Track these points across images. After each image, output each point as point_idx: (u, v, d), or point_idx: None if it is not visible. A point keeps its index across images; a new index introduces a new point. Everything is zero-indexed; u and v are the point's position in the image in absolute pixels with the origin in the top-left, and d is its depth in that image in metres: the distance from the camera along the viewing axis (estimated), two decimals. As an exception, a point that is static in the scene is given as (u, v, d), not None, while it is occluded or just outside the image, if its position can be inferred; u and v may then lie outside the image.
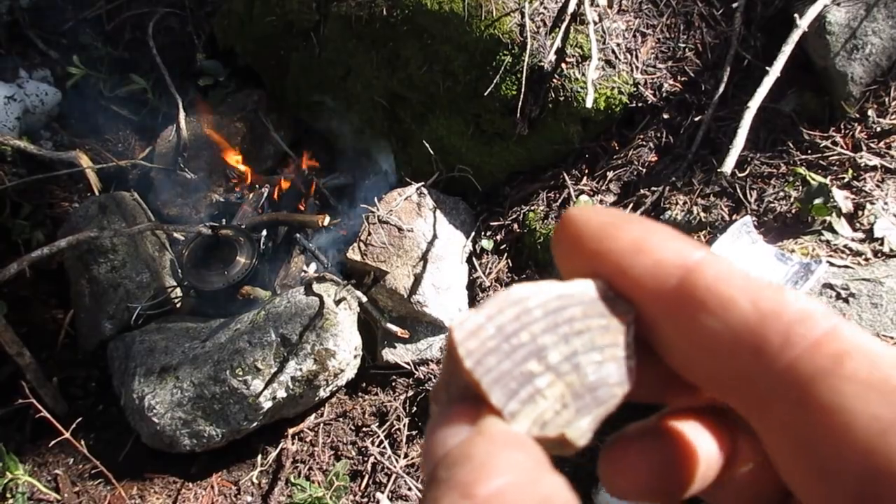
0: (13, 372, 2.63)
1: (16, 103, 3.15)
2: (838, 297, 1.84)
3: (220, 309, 2.75)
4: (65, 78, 3.29)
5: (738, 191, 2.32)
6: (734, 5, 2.54)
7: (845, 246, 1.99)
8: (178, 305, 2.93)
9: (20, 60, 3.35)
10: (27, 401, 2.20)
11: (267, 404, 2.29)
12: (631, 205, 2.49)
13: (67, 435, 2.20)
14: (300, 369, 2.30)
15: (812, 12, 2.18)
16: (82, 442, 2.28)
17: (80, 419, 2.25)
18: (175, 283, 2.84)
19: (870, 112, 2.25)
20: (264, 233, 3.03)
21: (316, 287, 2.38)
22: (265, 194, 3.11)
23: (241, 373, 2.27)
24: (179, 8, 3.46)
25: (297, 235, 2.81)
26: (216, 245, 2.74)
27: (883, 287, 1.82)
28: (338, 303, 2.32)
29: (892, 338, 1.76)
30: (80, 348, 2.83)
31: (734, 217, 2.29)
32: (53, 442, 2.24)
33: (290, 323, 2.33)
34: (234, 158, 3.19)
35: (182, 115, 3.16)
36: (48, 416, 2.18)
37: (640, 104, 2.60)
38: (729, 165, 2.03)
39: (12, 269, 2.20)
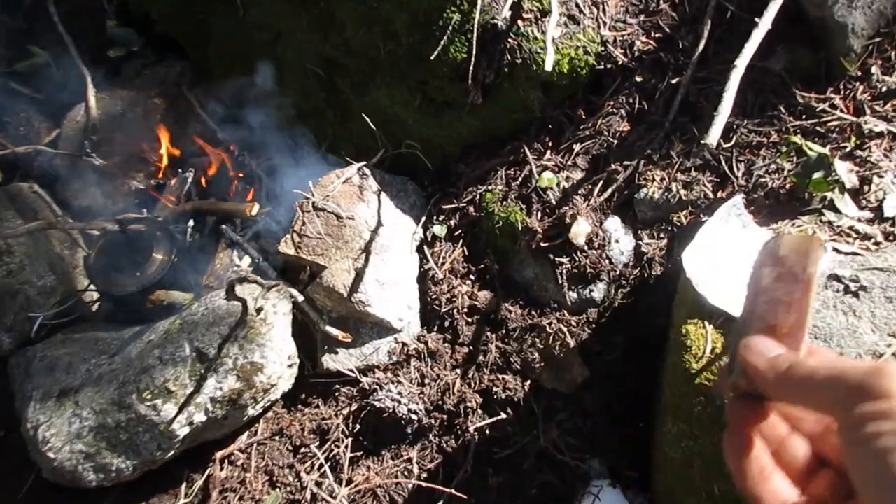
0: None
1: None
2: (847, 290, 1.54)
3: (138, 315, 2.40)
4: (-46, 52, 2.86)
5: (724, 164, 2.01)
6: (714, -52, 2.20)
7: (851, 227, 1.69)
8: (94, 309, 2.57)
9: None
10: None
11: (183, 431, 1.96)
12: (601, 182, 2.17)
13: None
14: (220, 388, 1.96)
15: (807, -49, 1.85)
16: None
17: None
18: (86, 287, 2.48)
19: (874, 69, 1.94)
20: (191, 223, 2.67)
21: (239, 290, 2.03)
22: (189, 180, 2.73)
23: (149, 396, 1.92)
24: (86, -32, 3.02)
25: (224, 227, 2.46)
26: (127, 242, 2.37)
27: (898, 277, 1.53)
28: (258, 311, 1.98)
29: (909, 337, 1.47)
30: (-21, 364, 2.46)
31: (719, 194, 1.99)
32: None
33: (206, 334, 1.99)
34: (163, 139, 2.81)
35: (91, 91, 2.76)
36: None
37: (608, 66, 2.26)
38: (714, 136, 1.71)
39: None
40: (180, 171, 2.75)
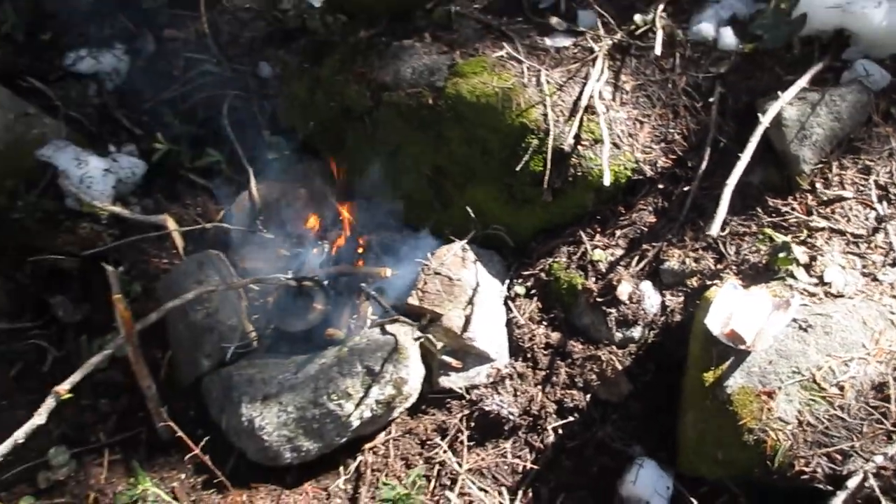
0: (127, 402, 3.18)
1: (111, 175, 3.71)
2: (800, 327, 2.49)
3: (296, 348, 3.30)
4: (149, 152, 3.85)
5: (721, 246, 2.98)
6: (710, 100, 3.24)
7: (804, 289, 2.65)
8: (254, 345, 3.47)
9: (110, 137, 3.92)
10: (166, 423, 2.74)
11: (356, 423, 2.85)
12: (636, 257, 3.14)
13: (197, 450, 2.74)
14: (382, 394, 2.87)
15: (772, 111, 2.88)
16: (203, 457, 2.81)
17: (207, 437, 2.80)
18: (253, 327, 3.38)
19: (818, 185, 2.94)
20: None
21: (389, 327, 2.96)
22: (326, 250, 3.70)
23: (335, 398, 2.83)
24: (244, 90, 4.07)
25: (363, 285, 3.40)
26: (294, 294, 3.31)
27: (832, 319, 2.48)
28: (417, 339, 2.91)
29: (840, 357, 2.41)
30: (177, 384, 3.32)
31: (718, 266, 2.95)
32: (189, 456, 2.78)
33: (372, 357, 2.91)
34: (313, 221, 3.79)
35: (254, 182, 3.75)
36: (181, 433, 2.73)
37: (640, 177, 3.27)
38: (715, 229, 2.68)
39: (152, 318, 2.76)
40: (318, 242, 3.72)
